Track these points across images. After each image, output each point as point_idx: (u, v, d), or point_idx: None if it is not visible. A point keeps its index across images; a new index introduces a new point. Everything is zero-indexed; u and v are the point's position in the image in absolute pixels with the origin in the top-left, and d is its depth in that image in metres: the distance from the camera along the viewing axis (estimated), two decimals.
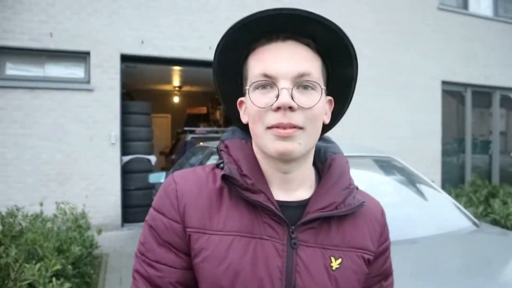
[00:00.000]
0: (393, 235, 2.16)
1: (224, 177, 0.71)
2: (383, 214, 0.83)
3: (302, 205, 0.73)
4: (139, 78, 8.66)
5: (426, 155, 7.45)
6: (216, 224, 0.70)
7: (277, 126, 0.67)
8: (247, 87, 0.71)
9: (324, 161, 0.81)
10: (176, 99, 12.02)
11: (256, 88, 0.69)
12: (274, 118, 0.67)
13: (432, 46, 7.57)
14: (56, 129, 5.36)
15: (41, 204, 4.07)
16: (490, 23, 8.30)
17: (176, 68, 7.98)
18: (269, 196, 0.71)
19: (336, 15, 6.72)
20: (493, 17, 8.44)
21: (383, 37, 7.16)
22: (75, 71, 5.62)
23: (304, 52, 0.70)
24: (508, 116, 9.16)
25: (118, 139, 5.66)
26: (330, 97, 0.78)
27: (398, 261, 1.87)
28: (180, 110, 12.11)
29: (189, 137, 8.14)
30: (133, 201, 5.98)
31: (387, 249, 0.82)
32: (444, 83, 7.73)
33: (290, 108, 0.66)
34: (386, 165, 3.03)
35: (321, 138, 0.84)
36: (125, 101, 6.20)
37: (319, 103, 0.69)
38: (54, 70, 5.53)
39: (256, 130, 0.71)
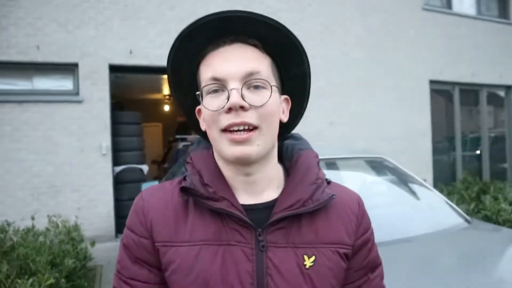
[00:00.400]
0: (387, 235, 2.18)
1: (183, 190, 0.71)
2: (360, 204, 0.80)
3: (269, 206, 0.73)
4: (128, 88, 8.63)
5: (417, 154, 7.51)
6: (183, 236, 0.70)
7: (231, 128, 0.67)
8: (198, 93, 0.72)
9: (292, 159, 0.80)
10: (166, 108, 11.98)
11: (208, 93, 0.70)
12: (227, 119, 0.67)
13: (419, 46, 7.67)
14: (46, 141, 5.30)
15: (33, 218, 4.02)
16: (474, 22, 8.44)
17: (166, 77, 7.97)
18: (232, 201, 0.71)
19: (324, 19, 6.81)
20: (476, 15, 8.58)
21: (371, 39, 7.24)
22: (64, 83, 5.58)
23: (252, 53, 0.70)
24: (495, 113, 9.28)
25: (109, 150, 5.62)
26: (286, 96, 0.77)
27: (393, 260, 1.88)
28: (171, 119, 12.06)
29: (180, 145, 8.11)
30: (126, 212, 5.77)
31: (368, 240, 0.79)
32: (432, 82, 7.82)
33: (242, 108, 0.66)
34: (378, 166, 3.05)
35: (290, 136, 0.85)
36: (115, 112, 6.16)
37: (270, 100, 0.68)
38: (42, 83, 5.49)
39: (212, 134, 0.71)
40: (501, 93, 9.01)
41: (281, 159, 0.81)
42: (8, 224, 3.59)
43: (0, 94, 5.20)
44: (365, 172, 2.98)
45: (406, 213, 2.60)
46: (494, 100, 9.01)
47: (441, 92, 8.24)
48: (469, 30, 8.29)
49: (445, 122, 8.39)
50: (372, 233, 0.81)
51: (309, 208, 0.71)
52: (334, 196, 0.74)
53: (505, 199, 4.71)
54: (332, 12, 6.93)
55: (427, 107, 7.76)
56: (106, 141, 5.58)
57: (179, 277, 0.68)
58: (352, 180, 2.83)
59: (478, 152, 8.70)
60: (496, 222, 4.29)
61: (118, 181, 5.93)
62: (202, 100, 0.71)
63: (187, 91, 0.77)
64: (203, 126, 0.76)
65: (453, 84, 8.18)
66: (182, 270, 0.68)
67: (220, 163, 0.75)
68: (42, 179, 5.27)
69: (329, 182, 0.79)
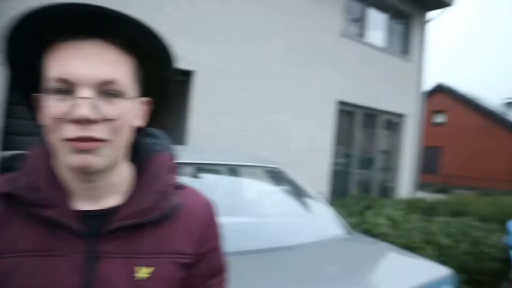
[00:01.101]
0: (272, 242, 2.28)
1: (5, 195, 0.63)
2: (208, 212, 0.77)
3: (109, 214, 0.67)
4: None
5: (318, 168, 8.00)
6: (1, 246, 0.62)
7: (75, 140, 0.58)
8: (41, 93, 0.61)
9: (143, 161, 0.74)
10: None
11: (52, 93, 0.59)
12: (70, 130, 0.58)
13: (332, 68, 8.20)
14: None
15: None
16: (381, 54, 9.31)
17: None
18: (63, 208, 0.64)
19: (248, 27, 6.91)
20: (385, 47, 9.48)
21: (290, 54, 7.53)
22: None
23: (110, 54, 0.61)
24: (391, 137, 10.28)
25: None
26: (146, 99, 0.70)
27: (276, 267, 1.98)
28: None
29: None
30: None
31: (213, 249, 0.77)
32: (339, 103, 8.43)
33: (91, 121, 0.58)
34: (276, 176, 3.19)
35: (149, 132, 0.78)
36: None
37: (126, 113, 0.62)
38: None
39: (50, 139, 0.61)
40: (397, 120, 10.04)
41: (135, 159, 0.74)
42: None
43: None
44: (262, 181, 3.10)
45: (294, 223, 2.76)
46: (391, 125, 10.00)
47: (346, 113, 8.92)
48: (377, 60, 9.12)
49: (347, 141, 9.08)
50: (218, 240, 0.79)
51: (151, 218, 0.68)
52: (179, 205, 0.71)
53: (379, 214, 5.24)
54: (257, 21, 7.08)
55: (332, 125, 8.33)
56: None
57: None
58: (250, 188, 2.93)
59: (370, 170, 9.59)
60: (374, 235, 4.76)
61: None
62: (43, 98, 0.60)
63: (27, 71, 0.65)
64: (40, 120, 0.63)
65: (358, 107, 8.92)
66: None
67: (58, 165, 0.67)
68: None
69: (180, 187, 0.76)
